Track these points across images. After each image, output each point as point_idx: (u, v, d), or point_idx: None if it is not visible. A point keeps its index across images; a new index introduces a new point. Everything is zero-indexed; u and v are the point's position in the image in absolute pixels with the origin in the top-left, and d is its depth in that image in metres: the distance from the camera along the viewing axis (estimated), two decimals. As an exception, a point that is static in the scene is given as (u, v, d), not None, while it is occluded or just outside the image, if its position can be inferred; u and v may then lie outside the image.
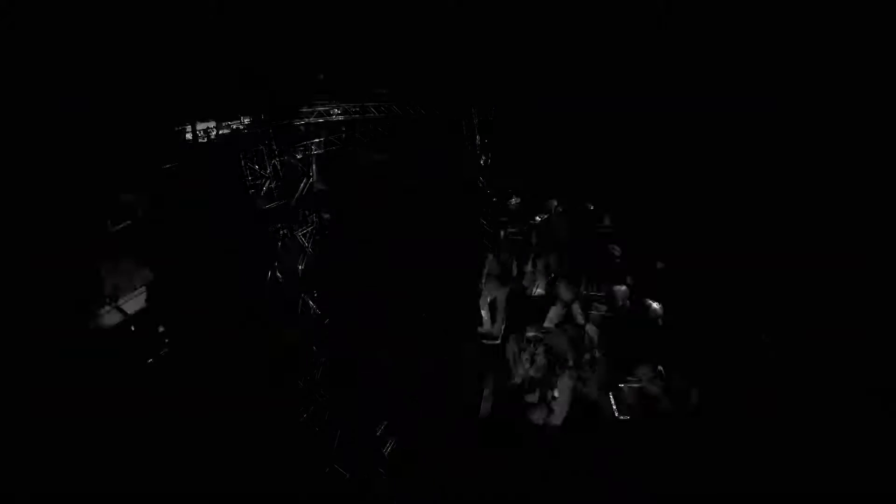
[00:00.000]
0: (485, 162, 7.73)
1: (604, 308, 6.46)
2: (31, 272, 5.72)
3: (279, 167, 6.56)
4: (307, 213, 6.86)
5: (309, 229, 6.78)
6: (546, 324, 6.42)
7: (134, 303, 6.07)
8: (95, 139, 6.09)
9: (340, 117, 6.79)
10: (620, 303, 6.48)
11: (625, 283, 6.67)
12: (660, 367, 5.97)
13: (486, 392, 6.24)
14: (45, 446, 4.74)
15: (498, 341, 6.65)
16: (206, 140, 6.64)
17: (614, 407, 5.71)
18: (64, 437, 4.80)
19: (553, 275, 6.97)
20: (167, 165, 6.32)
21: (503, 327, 6.73)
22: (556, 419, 5.88)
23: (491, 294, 6.74)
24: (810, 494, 4.43)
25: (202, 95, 6.52)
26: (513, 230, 8.20)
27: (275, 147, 6.51)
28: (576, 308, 6.54)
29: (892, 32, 6.14)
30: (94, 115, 5.98)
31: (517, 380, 6.53)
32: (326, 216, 7.40)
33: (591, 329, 6.33)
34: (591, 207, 7.77)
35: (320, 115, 6.64)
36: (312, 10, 6.80)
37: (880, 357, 5.45)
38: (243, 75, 6.58)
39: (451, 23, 7.13)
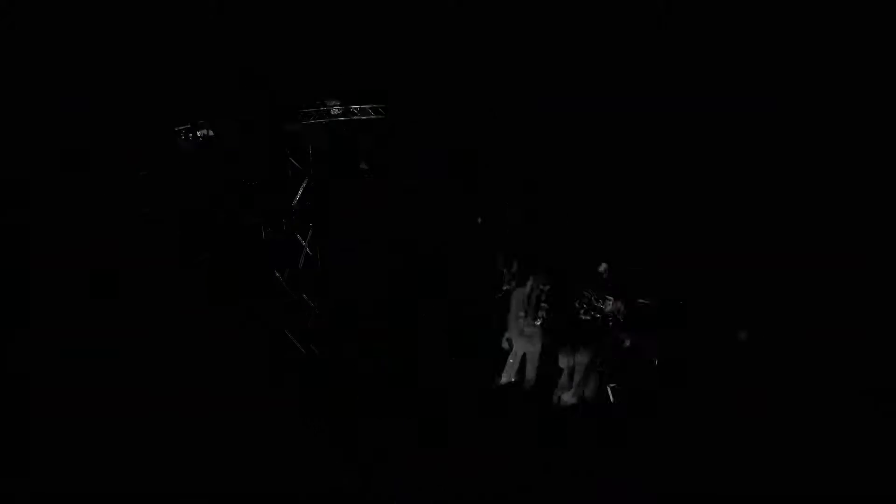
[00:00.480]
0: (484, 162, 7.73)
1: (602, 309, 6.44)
2: (31, 272, 5.73)
3: (279, 167, 6.57)
4: (307, 212, 6.88)
5: (308, 229, 6.80)
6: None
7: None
8: (95, 139, 6.11)
9: (341, 118, 6.81)
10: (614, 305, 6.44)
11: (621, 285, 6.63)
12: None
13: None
14: (45, 446, 4.75)
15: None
16: (205, 140, 6.65)
17: (611, 398, 5.69)
18: (64, 437, 4.82)
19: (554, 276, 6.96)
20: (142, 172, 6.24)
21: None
22: (557, 417, 5.89)
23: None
24: (808, 495, 4.44)
25: (202, 95, 6.53)
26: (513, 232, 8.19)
27: (275, 147, 6.53)
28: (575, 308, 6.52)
29: (892, 32, 6.15)
30: (94, 115, 5.99)
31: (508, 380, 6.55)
32: (326, 216, 7.41)
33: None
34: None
35: (321, 115, 6.66)
36: (312, 10, 6.80)
37: (874, 357, 5.47)
38: (243, 75, 6.59)
39: (451, 23, 7.13)
